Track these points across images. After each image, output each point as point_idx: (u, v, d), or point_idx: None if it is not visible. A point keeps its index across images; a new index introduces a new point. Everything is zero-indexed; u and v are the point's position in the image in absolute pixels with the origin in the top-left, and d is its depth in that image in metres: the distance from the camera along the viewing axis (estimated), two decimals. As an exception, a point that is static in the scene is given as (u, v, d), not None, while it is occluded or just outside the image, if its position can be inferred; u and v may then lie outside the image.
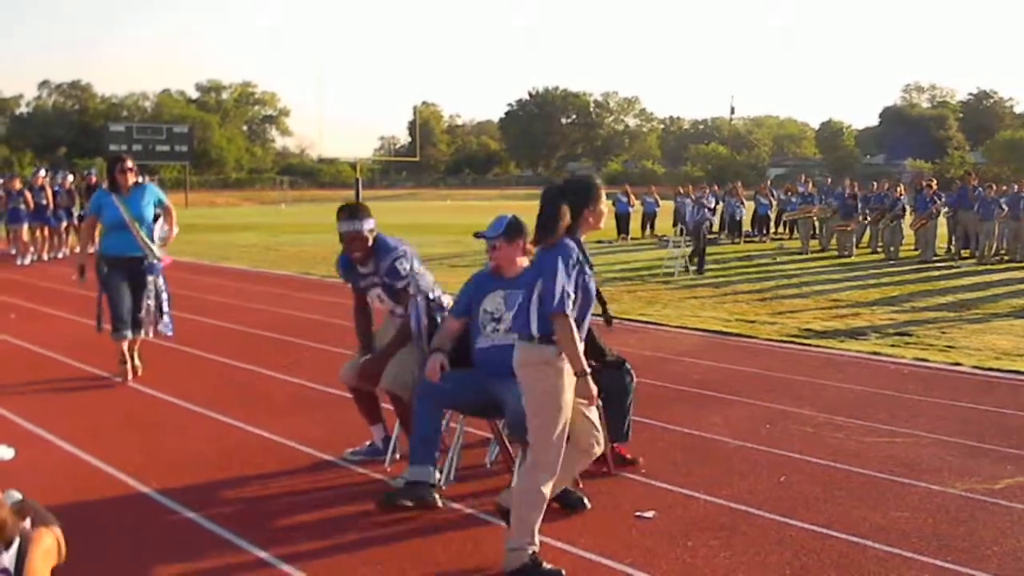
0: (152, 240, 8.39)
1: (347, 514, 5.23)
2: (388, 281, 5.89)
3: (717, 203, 30.44)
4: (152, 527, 5.04)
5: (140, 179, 8.52)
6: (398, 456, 6.01)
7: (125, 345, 8.40)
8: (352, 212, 5.81)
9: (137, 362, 8.60)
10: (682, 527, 5.09)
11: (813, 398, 8.27)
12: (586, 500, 5.34)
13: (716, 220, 29.90)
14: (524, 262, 5.45)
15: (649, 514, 5.27)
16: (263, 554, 4.65)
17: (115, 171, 8.36)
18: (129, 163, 8.45)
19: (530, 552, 4.40)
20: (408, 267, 5.86)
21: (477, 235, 5.64)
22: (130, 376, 8.41)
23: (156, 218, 8.47)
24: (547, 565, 4.41)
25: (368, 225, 5.80)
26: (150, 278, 8.47)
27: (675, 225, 25.92)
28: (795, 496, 5.65)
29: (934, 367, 10.04)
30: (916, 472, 6.16)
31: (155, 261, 8.45)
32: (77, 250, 22.26)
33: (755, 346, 11.22)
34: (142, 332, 8.52)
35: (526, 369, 4.49)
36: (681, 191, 29.79)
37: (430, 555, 4.69)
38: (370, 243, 5.84)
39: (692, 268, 19.64)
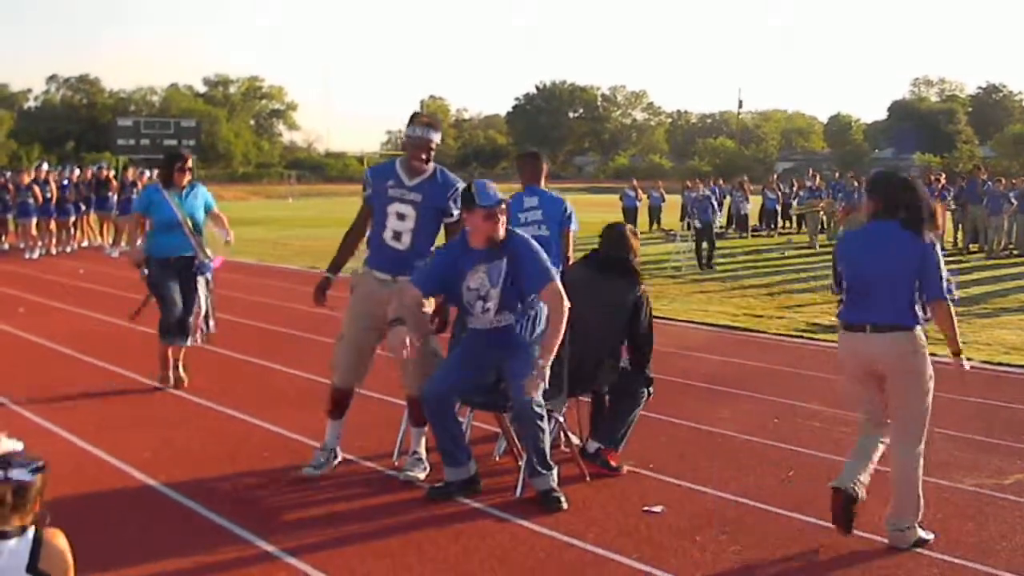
0: (202, 238, 8.05)
1: (355, 508, 5.24)
2: (433, 204, 5.67)
3: (724, 197, 30.43)
4: (160, 521, 5.05)
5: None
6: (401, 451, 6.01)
7: (171, 352, 8.05)
8: (430, 120, 5.83)
9: (182, 373, 8.14)
10: (690, 522, 5.09)
11: (821, 393, 8.25)
12: (563, 500, 5.28)
13: (724, 214, 29.89)
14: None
15: (657, 508, 5.26)
16: (270, 547, 4.65)
17: (174, 168, 7.98)
18: (189, 161, 8.12)
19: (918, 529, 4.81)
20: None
21: (470, 206, 5.30)
22: (172, 383, 8.03)
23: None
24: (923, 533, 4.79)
25: (437, 137, 5.77)
26: (200, 279, 8.04)
27: (682, 219, 25.88)
28: (803, 491, 5.64)
29: (943, 362, 9.97)
30: (925, 467, 6.12)
31: (207, 260, 8.08)
32: (91, 245, 22.46)
33: (763, 341, 11.20)
34: (189, 340, 8.06)
35: (914, 358, 4.85)
36: (689, 185, 29.72)
37: (438, 549, 4.69)
38: (431, 157, 5.76)
39: (704, 263, 19.64)
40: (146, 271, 7.90)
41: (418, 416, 5.66)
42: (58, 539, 2.65)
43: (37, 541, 2.59)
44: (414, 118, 5.77)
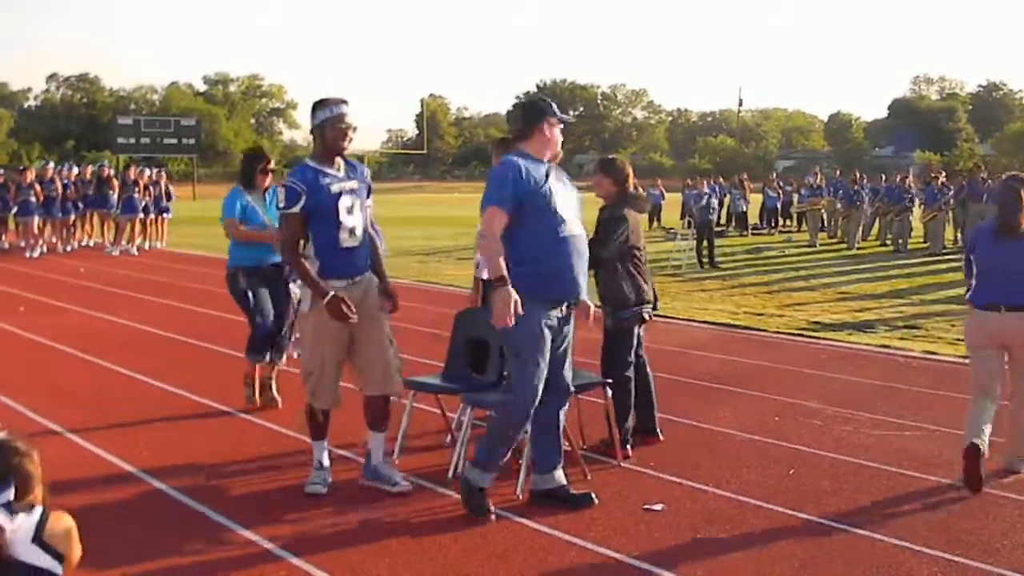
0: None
1: (358, 508, 5.23)
2: (366, 186, 5.45)
3: (724, 195, 30.42)
4: (159, 518, 5.05)
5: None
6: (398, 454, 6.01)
7: (259, 370, 7.36)
8: (341, 97, 5.34)
9: (276, 394, 7.39)
10: (691, 520, 5.09)
11: (822, 391, 8.26)
12: (594, 495, 5.33)
13: (724, 212, 29.92)
14: None
15: (658, 507, 5.26)
16: (270, 545, 4.66)
17: (256, 169, 7.43)
18: (271, 162, 7.61)
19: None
20: None
21: (550, 114, 5.13)
22: (258, 406, 7.33)
23: None
24: None
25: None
26: (292, 286, 7.21)
27: (683, 218, 25.88)
28: (804, 489, 5.64)
29: (943, 360, 10.02)
30: (926, 465, 6.14)
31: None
32: (86, 243, 22.42)
33: (763, 339, 11.20)
34: (283, 357, 7.45)
35: None
36: (689, 183, 29.71)
37: (439, 547, 4.69)
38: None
39: (705, 261, 19.64)
40: (242, 283, 7.18)
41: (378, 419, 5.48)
42: (64, 518, 2.85)
43: (43, 517, 2.78)
44: (324, 101, 5.27)
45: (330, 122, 5.24)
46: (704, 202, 20.54)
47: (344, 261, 5.30)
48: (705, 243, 19.89)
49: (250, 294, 7.21)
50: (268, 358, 7.32)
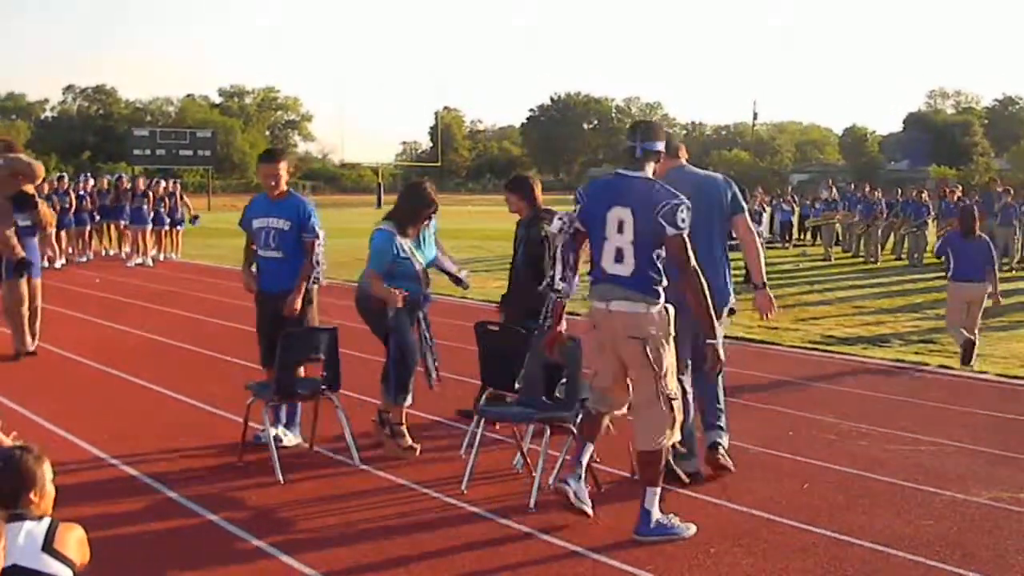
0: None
1: (369, 517, 5.25)
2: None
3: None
4: (178, 533, 5.07)
5: None
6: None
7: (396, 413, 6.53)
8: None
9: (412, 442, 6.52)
10: (705, 534, 5.07)
11: (836, 405, 8.23)
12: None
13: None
14: None
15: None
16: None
17: (422, 216, 6.58)
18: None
19: None
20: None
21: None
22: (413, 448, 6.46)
23: None
24: None
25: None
26: (421, 314, 6.65)
27: None
28: (818, 503, 5.62)
29: (958, 375, 9.97)
30: (940, 480, 6.12)
31: (429, 291, 6.79)
32: (101, 254, 22.50)
33: (778, 353, 11.17)
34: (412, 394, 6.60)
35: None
36: None
37: (451, 556, 4.70)
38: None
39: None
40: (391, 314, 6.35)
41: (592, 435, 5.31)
42: (73, 527, 2.93)
43: (52, 526, 2.86)
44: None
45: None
46: (754, 219, 20.13)
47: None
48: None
49: (405, 326, 6.48)
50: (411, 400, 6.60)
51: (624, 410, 5.24)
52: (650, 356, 4.85)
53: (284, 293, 6.42)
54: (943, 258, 10.83)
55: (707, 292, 4.92)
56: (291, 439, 6.57)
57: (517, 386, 5.88)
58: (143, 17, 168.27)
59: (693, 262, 4.88)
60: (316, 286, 6.66)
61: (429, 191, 6.63)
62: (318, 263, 6.56)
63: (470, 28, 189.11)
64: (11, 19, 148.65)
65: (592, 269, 5.06)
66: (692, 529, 5.04)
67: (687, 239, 4.86)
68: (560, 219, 5.16)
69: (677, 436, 5.11)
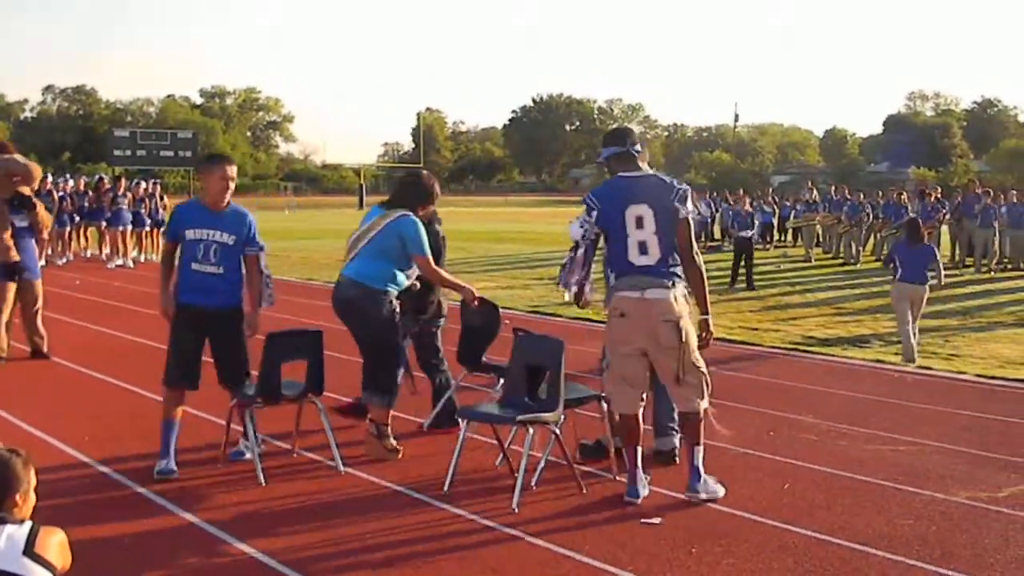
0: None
1: (351, 519, 5.24)
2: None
3: (717, 210, 30.44)
4: (160, 536, 5.06)
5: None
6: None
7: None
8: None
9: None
10: (686, 534, 5.10)
11: (816, 406, 8.28)
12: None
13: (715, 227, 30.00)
14: None
15: (655, 520, 5.27)
16: (248, 548, 4.66)
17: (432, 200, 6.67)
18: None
19: None
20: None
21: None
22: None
23: None
24: None
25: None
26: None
27: (722, 237, 25.63)
28: (798, 503, 5.65)
29: (938, 375, 10.05)
30: (919, 480, 6.16)
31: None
32: (81, 255, 22.40)
33: (758, 353, 11.22)
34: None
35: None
36: (730, 200, 29.34)
37: (435, 558, 4.70)
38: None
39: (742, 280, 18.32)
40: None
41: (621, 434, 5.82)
42: (54, 531, 2.91)
43: (33, 530, 2.84)
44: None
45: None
46: (745, 218, 19.34)
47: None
48: (742, 262, 18.31)
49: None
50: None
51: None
52: (682, 334, 5.45)
53: (223, 309, 6.05)
54: (891, 265, 11.60)
55: (705, 275, 5.74)
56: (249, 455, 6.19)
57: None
58: (126, 18, 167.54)
59: (696, 246, 5.64)
60: (268, 305, 6.34)
61: (432, 181, 6.75)
62: (269, 280, 6.30)
63: (454, 29, 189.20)
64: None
65: (614, 264, 5.55)
66: (722, 491, 5.62)
67: (691, 223, 5.57)
68: (582, 226, 5.61)
69: (706, 403, 5.61)
